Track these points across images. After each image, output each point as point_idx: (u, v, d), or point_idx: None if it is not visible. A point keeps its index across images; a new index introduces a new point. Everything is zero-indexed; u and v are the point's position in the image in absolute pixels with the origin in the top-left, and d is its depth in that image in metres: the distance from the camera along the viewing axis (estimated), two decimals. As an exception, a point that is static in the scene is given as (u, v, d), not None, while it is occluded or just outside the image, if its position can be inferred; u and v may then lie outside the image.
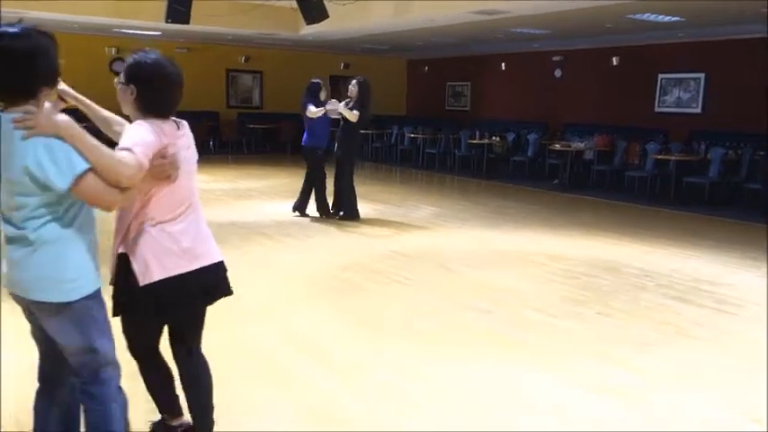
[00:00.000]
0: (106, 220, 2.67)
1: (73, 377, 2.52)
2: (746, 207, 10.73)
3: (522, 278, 6.25)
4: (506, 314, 5.18)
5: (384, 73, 20.20)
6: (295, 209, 9.08)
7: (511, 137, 15.84)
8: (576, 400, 3.66)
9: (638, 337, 4.72)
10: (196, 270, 2.70)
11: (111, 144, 2.35)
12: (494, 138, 15.31)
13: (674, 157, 11.74)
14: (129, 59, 2.60)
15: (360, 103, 8.64)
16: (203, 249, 2.75)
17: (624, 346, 4.52)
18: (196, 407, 2.88)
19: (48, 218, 2.27)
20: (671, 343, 4.65)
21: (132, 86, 2.54)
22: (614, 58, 14.69)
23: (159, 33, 15.50)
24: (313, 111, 8.61)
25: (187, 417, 3.02)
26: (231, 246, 7.15)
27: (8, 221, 2.31)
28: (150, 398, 2.96)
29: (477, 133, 15.51)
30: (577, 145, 13.49)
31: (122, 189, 2.29)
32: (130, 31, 15.37)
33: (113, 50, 16.81)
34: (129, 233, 2.57)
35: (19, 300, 2.44)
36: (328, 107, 8.67)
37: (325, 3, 10.59)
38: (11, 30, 2.20)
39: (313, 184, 8.99)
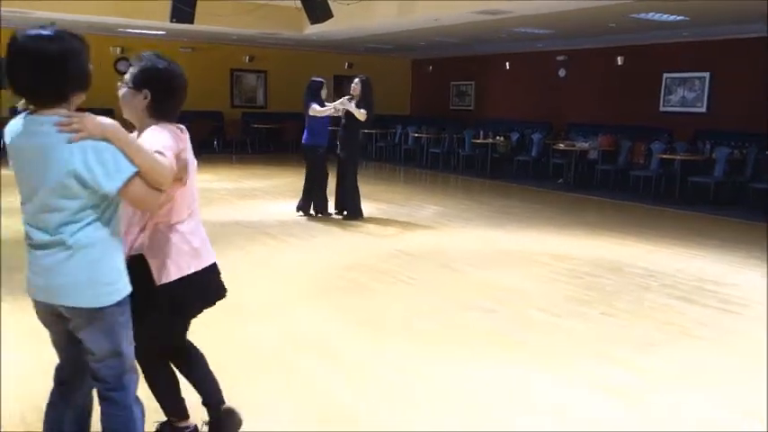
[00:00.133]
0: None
1: (94, 382, 2.47)
2: (751, 207, 10.70)
3: (526, 278, 6.25)
4: (510, 314, 5.18)
5: (388, 73, 20.21)
6: (299, 209, 9.07)
7: (515, 136, 15.83)
8: (576, 400, 3.65)
9: (641, 337, 4.71)
10: (203, 269, 2.76)
11: None
12: (498, 137, 15.30)
13: (678, 157, 11.72)
14: (141, 64, 2.58)
15: (364, 102, 8.64)
16: (206, 249, 2.81)
17: (627, 346, 4.51)
18: (214, 393, 3.00)
19: (86, 221, 2.26)
20: (674, 343, 4.64)
21: (146, 91, 2.54)
22: (619, 58, 14.67)
23: (164, 33, 15.53)
24: (318, 109, 8.60)
25: (193, 419, 3.04)
26: (235, 246, 7.16)
27: (39, 227, 2.26)
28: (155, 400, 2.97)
29: (482, 133, 15.50)
30: (582, 145, 13.48)
31: (161, 191, 2.34)
32: (135, 31, 15.41)
33: (118, 50, 16.85)
34: (142, 235, 2.60)
35: (44, 307, 2.37)
36: (338, 105, 8.64)
37: (330, 2, 10.60)
38: (44, 32, 2.18)
39: (314, 182, 8.95)
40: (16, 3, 11.78)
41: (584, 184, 13.18)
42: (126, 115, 2.62)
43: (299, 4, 10.81)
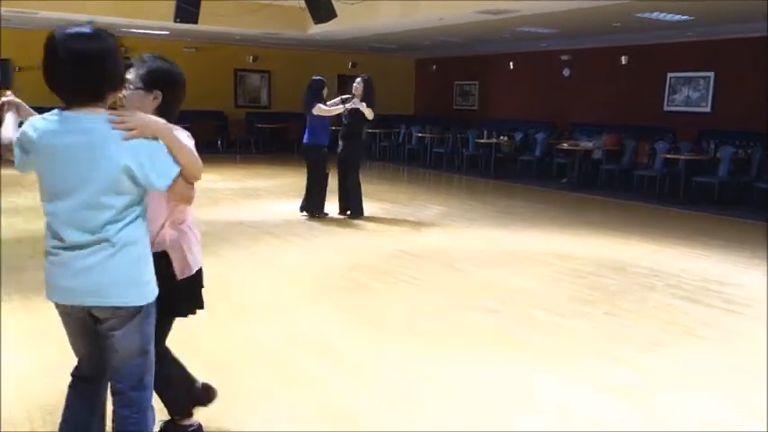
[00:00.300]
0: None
1: (115, 383, 2.45)
2: (756, 206, 10.67)
3: (530, 278, 6.24)
4: (513, 314, 5.18)
5: (392, 72, 20.21)
6: (302, 209, 9.07)
7: (519, 136, 15.81)
8: (579, 400, 3.65)
9: (645, 337, 4.70)
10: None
11: None
12: (501, 137, 15.29)
13: (683, 157, 11.70)
14: (147, 65, 2.60)
15: (366, 101, 8.63)
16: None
17: (631, 346, 4.50)
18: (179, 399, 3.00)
19: (129, 219, 2.27)
20: (678, 343, 4.64)
21: (157, 92, 2.56)
22: (623, 57, 14.64)
23: (167, 33, 15.56)
24: (326, 108, 8.59)
25: (196, 417, 3.04)
26: (239, 245, 7.17)
27: (77, 227, 2.23)
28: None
29: (485, 132, 15.49)
30: (586, 144, 13.46)
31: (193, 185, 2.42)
32: (139, 31, 15.42)
33: (122, 50, 16.85)
34: (161, 233, 2.64)
35: (73, 310, 2.34)
36: (349, 105, 8.62)
37: (333, 2, 10.60)
38: (84, 31, 2.18)
39: (313, 182, 8.90)
40: (19, 3, 11.80)
41: (588, 184, 13.16)
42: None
43: (303, 4, 10.80)
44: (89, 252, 2.23)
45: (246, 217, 8.89)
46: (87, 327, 2.37)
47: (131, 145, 2.19)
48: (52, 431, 3.06)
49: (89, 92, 2.21)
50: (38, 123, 2.23)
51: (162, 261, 2.58)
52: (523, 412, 3.49)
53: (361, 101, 8.62)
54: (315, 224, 8.58)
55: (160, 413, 3.02)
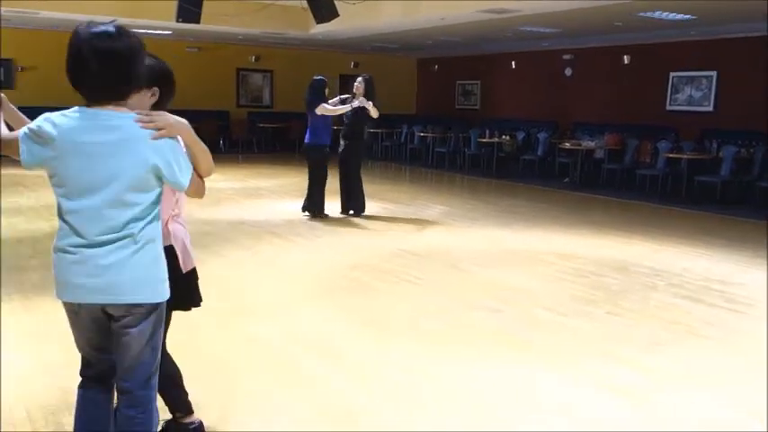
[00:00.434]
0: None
1: (121, 383, 2.45)
2: (758, 206, 10.65)
3: (532, 277, 6.24)
4: (515, 313, 5.17)
5: (394, 72, 20.22)
6: (304, 209, 9.05)
7: (521, 136, 15.80)
8: (581, 400, 3.64)
9: (647, 337, 4.69)
10: None
11: None
12: (504, 136, 15.28)
13: (685, 156, 11.69)
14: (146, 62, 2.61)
15: (368, 100, 8.63)
16: None
17: (633, 346, 4.50)
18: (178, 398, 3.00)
19: (151, 217, 2.30)
20: (681, 342, 4.63)
21: (155, 89, 2.56)
22: (625, 57, 14.63)
23: (170, 33, 15.56)
24: (331, 108, 8.58)
25: (198, 415, 3.04)
26: (242, 245, 7.17)
27: (100, 224, 2.23)
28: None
29: (487, 132, 15.48)
30: (588, 144, 13.45)
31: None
32: (141, 31, 15.40)
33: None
34: (165, 227, 2.66)
35: (87, 309, 2.33)
36: (355, 104, 8.61)
37: (335, 2, 10.59)
38: (110, 29, 2.20)
39: (315, 181, 8.87)
40: (20, 3, 11.81)
41: (591, 184, 13.15)
42: None
43: (305, 4, 10.79)
44: (112, 249, 2.24)
45: (249, 216, 8.89)
46: (100, 325, 2.37)
47: (158, 144, 2.23)
48: (55, 430, 3.07)
49: (113, 90, 2.22)
50: (58, 120, 2.21)
51: (168, 255, 2.60)
52: (525, 412, 3.48)
53: (358, 101, 8.62)
54: (317, 224, 8.58)
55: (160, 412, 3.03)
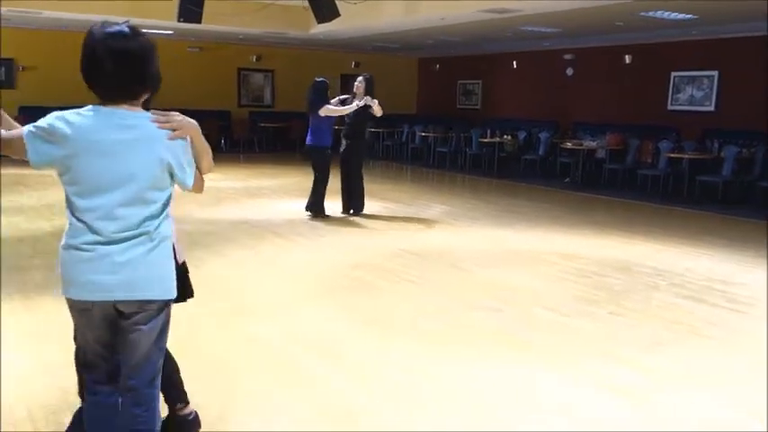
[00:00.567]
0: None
1: (128, 381, 2.46)
2: (760, 206, 10.64)
3: (534, 277, 6.23)
4: (517, 313, 5.16)
5: (395, 71, 20.22)
6: (308, 208, 9.02)
7: (522, 135, 15.79)
8: (581, 400, 3.64)
9: (649, 337, 4.69)
10: None
11: None
12: (505, 136, 15.27)
13: (687, 156, 11.68)
14: None
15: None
16: None
17: (635, 346, 4.49)
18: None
19: (164, 214, 2.36)
20: (682, 342, 4.62)
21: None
22: (626, 57, 14.61)
23: (171, 33, 15.56)
24: (334, 109, 8.56)
25: (193, 405, 3.04)
26: (243, 245, 7.17)
27: (117, 222, 2.25)
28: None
29: (489, 132, 15.48)
30: (589, 143, 13.44)
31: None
32: (143, 30, 15.42)
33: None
34: None
35: (100, 307, 2.32)
36: (361, 102, 8.58)
37: (336, 1, 10.59)
38: (124, 30, 2.23)
39: (319, 182, 8.86)
40: (22, 3, 11.81)
41: (592, 183, 13.14)
42: None
43: (306, 4, 10.80)
44: (129, 246, 2.27)
45: (250, 216, 8.89)
46: (110, 323, 2.37)
47: (172, 144, 2.30)
48: (55, 430, 3.06)
49: (128, 90, 2.26)
50: (72, 118, 2.22)
51: None
52: (525, 412, 3.48)
53: (363, 100, 8.62)
54: (318, 223, 8.58)
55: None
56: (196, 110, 16.79)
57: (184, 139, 2.35)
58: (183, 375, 3.00)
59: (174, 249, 2.70)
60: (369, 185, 9.35)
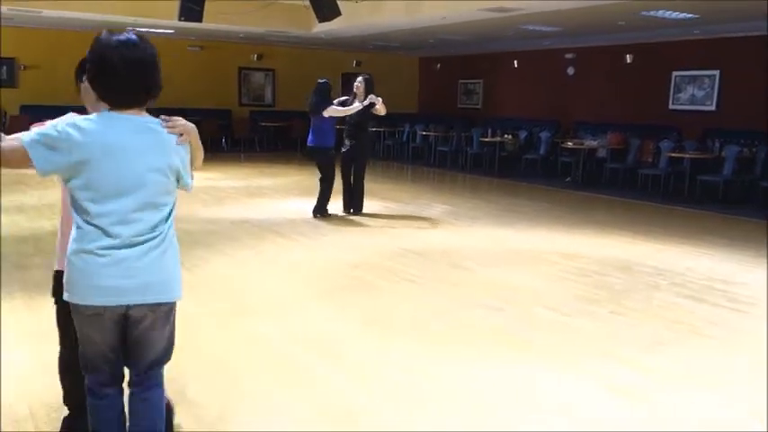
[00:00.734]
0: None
1: (138, 380, 2.51)
2: (761, 205, 10.63)
3: (535, 276, 6.23)
4: (517, 313, 5.16)
5: (396, 70, 20.22)
6: (315, 214, 8.93)
7: (523, 135, 15.79)
8: (582, 400, 3.64)
9: (650, 336, 4.68)
10: None
11: None
12: (506, 136, 15.26)
13: (687, 155, 11.67)
14: None
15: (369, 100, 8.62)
16: None
17: (635, 346, 4.48)
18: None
19: (172, 217, 2.41)
20: (683, 342, 4.62)
21: None
22: (628, 56, 14.60)
23: (172, 32, 15.56)
24: (342, 109, 8.55)
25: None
26: (244, 244, 7.17)
27: (137, 226, 2.28)
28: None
29: (489, 131, 15.47)
30: (590, 143, 13.44)
31: None
32: (143, 30, 15.42)
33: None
34: None
35: (111, 312, 2.33)
36: (366, 102, 8.57)
37: (338, 1, 10.59)
38: (133, 38, 2.26)
39: (324, 183, 8.82)
40: (23, 2, 11.81)
41: (593, 183, 13.14)
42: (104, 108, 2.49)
43: (308, 3, 10.80)
44: (145, 250, 2.30)
45: (252, 215, 8.89)
46: (120, 326, 2.39)
47: (179, 148, 2.37)
48: (56, 430, 3.07)
49: (140, 96, 2.30)
50: (84, 124, 2.23)
51: None
52: (525, 412, 3.48)
53: (363, 100, 8.61)
54: (319, 223, 8.58)
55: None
56: (197, 109, 16.87)
57: (187, 143, 2.41)
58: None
59: None
60: (370, 185, 9.36)
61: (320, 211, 8.85)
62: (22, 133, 2.22)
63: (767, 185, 10.79)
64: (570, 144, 13.59)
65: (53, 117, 2.39)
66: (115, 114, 2.27)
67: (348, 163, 9.03)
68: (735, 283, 6.13)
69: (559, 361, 4.18)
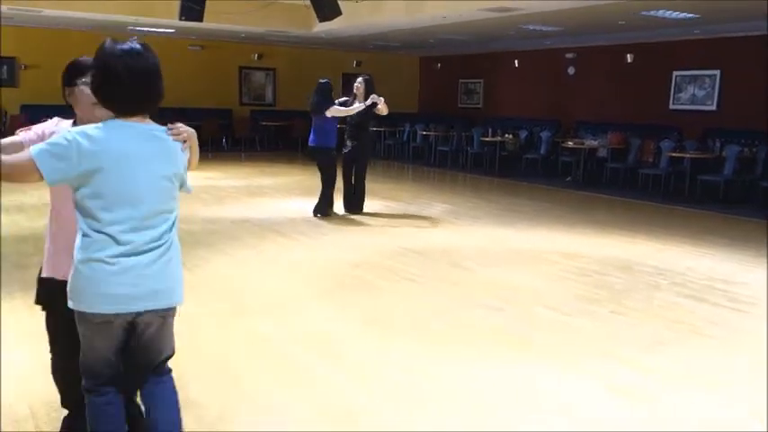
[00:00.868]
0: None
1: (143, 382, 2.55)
2: (761, 205, 10.63)
3: (535, 276, 6.22)
4: (518, 312, 5.16)
5: (396, 70, 20.22)
6: (315, 213, 8.95)
7: (523, 134, 15.78)
8: (582, 400, 3.63)
9: (650, 336, 4.68)
10: None
11: None
12: (506, 135, 15.25)
13: (688, 155, 11.67)
14: None
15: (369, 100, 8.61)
16: None
17: (636, 345, 4.48)
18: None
19: (176, 223, 2.44)
20: (684, 342, 4.62)
21: None
22: (628, 56, 14.60)
23: (173, 31, 15.56)
24: (343, 109, 8.54)
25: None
26: (245, 244, 7.17)
27: (147, 234, 2.30)
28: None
29: (490, 131, 15.46)
30: (591, 142, 13.44)
31: None
32: (144, 29, 15.43)
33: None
34: None
35: (120, 318, 2.34)
36: (368, 102, 8.56)
37: (338, 0, 10.58)
38: (137, 47, 2.27)
39: (326, 183, 8.81)
40: (24, 1, 11.81)
41: (594, 182, 13.13)
42: (98, 113, 2.48)
43: (308, 2, 10.79)
44: (154, 257, 2.32)
45: (252, 215, 8.89)
46: (127, 332, 2.42)
47: (182, 154, 2.40)
48: (56, 430, 3.07)
49: (145, 104, 2.32)
50: (93, 133, 2.22)
51: None
52: (525, 412, 3.47)
53: (363, 100, 8.61)
54: (320, 222, 8.58)
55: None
56: (197, 108, 16.88)
57: (188, 148, 2.45)
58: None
59: None
60: (370, 184, 9.36)
61: (321, 210, 8.85)
62: (10, 138, 2.25)
63: (767, 185, 10.78)
64: (571, 144, 13.59)
65: (53, 117, 2.40)
66: (122, 122, 2.28)
67: (349, 163, 9.03)
68: (735, 283, 6.13)
69: (559, 361, 4.18)
